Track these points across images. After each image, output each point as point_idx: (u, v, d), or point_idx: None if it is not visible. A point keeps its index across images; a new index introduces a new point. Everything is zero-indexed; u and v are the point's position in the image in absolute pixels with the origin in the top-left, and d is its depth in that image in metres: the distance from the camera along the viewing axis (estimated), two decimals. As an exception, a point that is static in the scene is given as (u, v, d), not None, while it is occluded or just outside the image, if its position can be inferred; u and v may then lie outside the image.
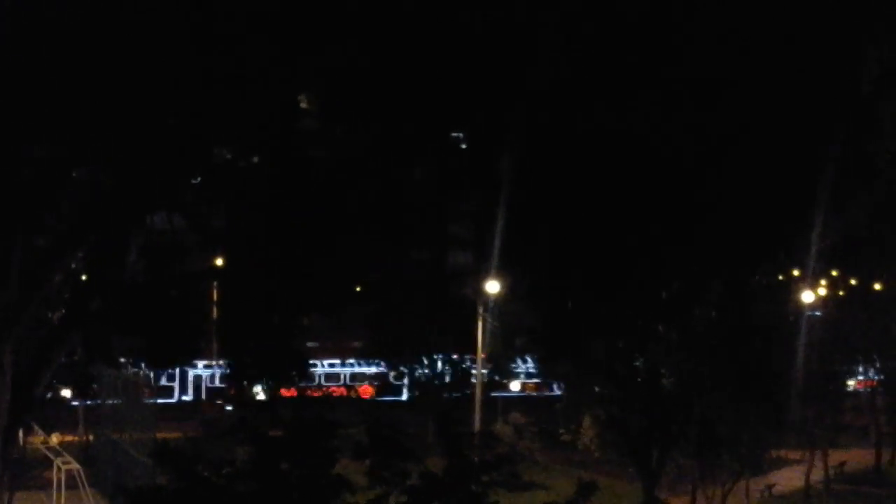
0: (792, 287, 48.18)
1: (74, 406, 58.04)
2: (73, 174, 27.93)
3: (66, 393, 56.32)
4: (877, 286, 59.07)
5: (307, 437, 18.75)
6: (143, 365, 49.55)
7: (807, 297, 50.16)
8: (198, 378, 71.63)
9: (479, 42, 28.03)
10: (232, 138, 28.43)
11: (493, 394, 63.25)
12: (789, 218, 37.54)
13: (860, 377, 60.68)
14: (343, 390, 72.65)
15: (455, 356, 62.17)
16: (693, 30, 32.31)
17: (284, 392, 54.58)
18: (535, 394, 70.10)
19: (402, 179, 29.68)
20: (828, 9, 33.20)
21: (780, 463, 53.40)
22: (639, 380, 39.99)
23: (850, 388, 59.80)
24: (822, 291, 57.34)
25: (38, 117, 24.80)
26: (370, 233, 29.62)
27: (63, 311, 32.95)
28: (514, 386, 71.20)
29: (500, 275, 45.28)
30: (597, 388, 42.87)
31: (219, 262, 32.79)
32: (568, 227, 35.33)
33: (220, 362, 63.66)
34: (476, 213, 40.33)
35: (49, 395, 53.11)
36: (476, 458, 19.79)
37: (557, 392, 62.00)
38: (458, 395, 61.27)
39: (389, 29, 26.40)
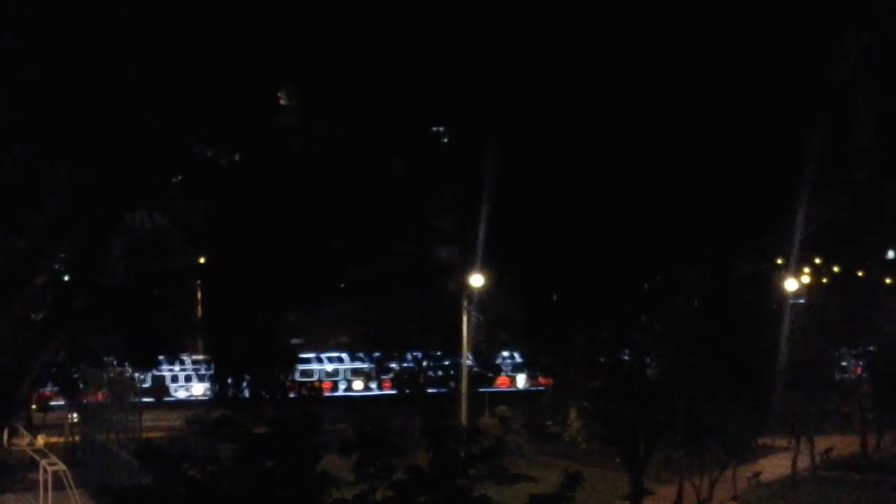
0: (775, 275, 48.28)
1: (60, 406, 57.84)
2: (53, 173, 27.80)
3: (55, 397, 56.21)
4: (859, 273, 59.30)
5: (291, 435, 18.71)
6: (126, 364, 49.43)
7: (790, 285, 50.27)
8: None
9: (458, 33, 27.98)
10: (212, 135, 28.33)
11: (482, 389, 63.33)
12: (771, 206, 37.60)
13: (844, 363, 60.93)
14: (329, 385, 72.80)
15: (440, 351, 62.13)
16: (671, 19, 32.31)
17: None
18: (521, 387, 70.24)
19: (383, 174, 29.62)
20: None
21: (767, 451, 53.64)
22: (624, 371, 40.06)
23: (846, 374, 60.10)
24: (806, 279, 57.50)
25: (16, 116, 24.68)
26: (352, 228, 29.55)
27: (46, 311, 32.78)
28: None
29: (485, 268, 45.26)
30: (582, 381, 42.92)
31: (202, 259, 32.67)
32: (551, 219, 35.32)
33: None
34: (459, 206, 40.24)
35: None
36: (462, 452, 19.78)
37: (543, 386, 62.05)
38: (444, 390, 61.24)
39: (368, 22, 26.34)
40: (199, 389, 67.83)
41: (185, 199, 29.16)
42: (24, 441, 51.10)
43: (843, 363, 60.98)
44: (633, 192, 34.24)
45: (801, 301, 54.34)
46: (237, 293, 28.55)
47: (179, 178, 29.58)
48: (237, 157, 29.34)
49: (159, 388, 68.78)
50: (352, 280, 35.01)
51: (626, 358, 40.87)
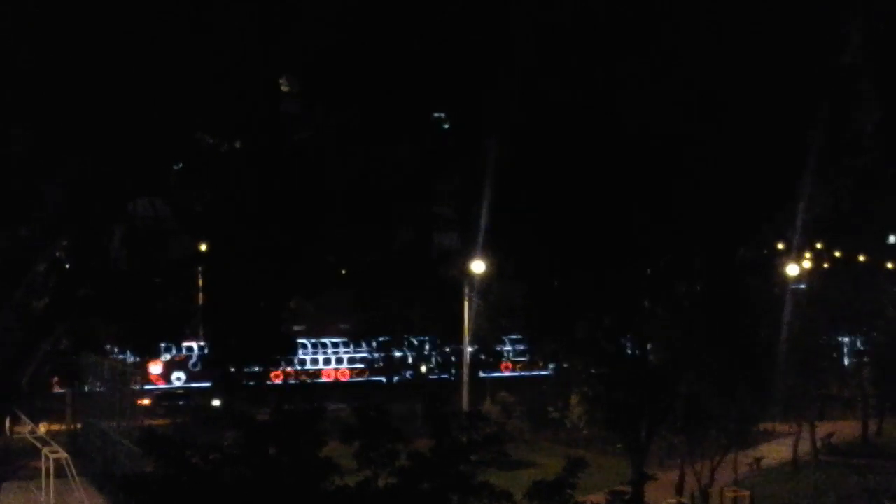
0: (777, 260, 48.21)
1: (61, 394, 57.83)
2: (55, 161, 27.80)
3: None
4: (861, 258, 59.27)
5: (294, 421, 18.68)
6: (127, 352, 49.42)
7: (792, 270, 50.20)
8: None
9: (459, 20, 27.93)
10: (213, 122, 28.32)
11: (482, 374, 63.32)
12: (773, 191, 37.55)
13: (845, 348, 60.93)
14: (330, 373, 72.72)
15: (441, 337, 62.14)
16: (674, 4, 32.25)
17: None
18: (523, 373, 70.20)
19: (384, 161, 29.62)
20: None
21: (768, 436, 53.71)
22: (626, 356, 40.02)
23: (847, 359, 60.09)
24: (807, 264, 57.43)
25: (20, 105, 24.68)
26: (354, 215, 29.57)
27: (48, 299, 32.80)
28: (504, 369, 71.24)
29: (486, 255, 45.22)
30: (585, 366, 42.89)
31: (203, 247, 32.67)
32: (553, 206, 35.29)
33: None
34: (461, 193, 40.20)
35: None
36: (464, 439, 19.73)
37: (545, 372, 62.02)
38: (446, 376, 61.27)
39: (369, 9, 26.28)
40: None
41: (186, 186, 29.17)
42: (25, 429, 51.12)
43: (844, 348, 60.98)
44: (635, 178, 34.19)
45: (803, 286, 54.29)
46: (239, 280, 28.59)
47: (180, 165, 29.58)
48: (238, 145, 29.33)
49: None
50: (354, 267, 35.03)
51: (628, 344, 40.83)
